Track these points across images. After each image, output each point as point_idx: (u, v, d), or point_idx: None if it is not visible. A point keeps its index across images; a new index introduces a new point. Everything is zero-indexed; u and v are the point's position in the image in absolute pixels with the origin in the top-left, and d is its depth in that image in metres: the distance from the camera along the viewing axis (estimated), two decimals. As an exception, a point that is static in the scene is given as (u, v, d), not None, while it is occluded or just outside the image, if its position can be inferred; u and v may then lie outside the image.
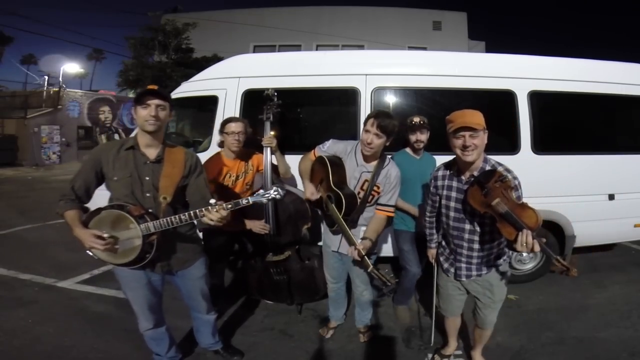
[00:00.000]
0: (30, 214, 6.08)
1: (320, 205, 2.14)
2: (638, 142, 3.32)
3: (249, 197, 1.58)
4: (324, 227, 2.30)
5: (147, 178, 1.69)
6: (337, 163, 2.04)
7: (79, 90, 17.92)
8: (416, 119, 2.46)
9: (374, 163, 2.05)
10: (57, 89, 15.93)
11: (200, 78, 3.42)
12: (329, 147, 2.14)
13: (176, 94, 3.47)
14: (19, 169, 13.27)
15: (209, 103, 3.23)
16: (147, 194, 1.69)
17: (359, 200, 2.00)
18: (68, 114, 15.81)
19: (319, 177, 2.12)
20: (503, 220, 1.48)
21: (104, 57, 36.31)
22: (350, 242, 1.90)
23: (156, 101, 1.63)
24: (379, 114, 1.93)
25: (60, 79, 17.79)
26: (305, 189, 2.16)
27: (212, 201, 1.57)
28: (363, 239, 1.98)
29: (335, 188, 1.95)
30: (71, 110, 15.95)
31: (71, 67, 19.52)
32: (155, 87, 1.68)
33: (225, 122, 2.46)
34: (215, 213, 1.55)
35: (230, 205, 1.56)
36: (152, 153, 1.71)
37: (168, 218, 1.59)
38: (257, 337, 2.54)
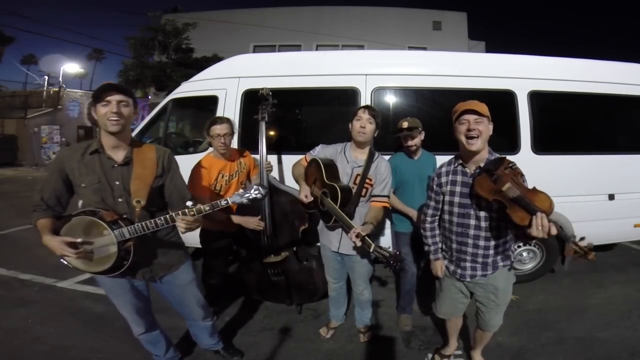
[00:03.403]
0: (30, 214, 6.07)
1: (316, 205, 2.14)
2: (638, 142, 3.32)
3: (228, 198, 1.51)
4: (321, 230, 2.29)
5: (117, 182, 1.58)
6: (329, 163, 2.12)
7: (79, 90, 17.95)
8: (404, 125, 2.40)
9: (364, 158, 2.12)
10: (57, 89, 15.96)
11: (200, 78, 3.42)
12: (319, 152, 2.23)
13: (176, 94, 3.48)
14: (19, 169, 13.27)
15: (209, 103, 3.23)
16: (120, 199, 1.59)
17: (353, 192, 2.06)
18: (68, 114, 15.84)
19: (313, 178, 2.16)
20: (514, 205, 1.42)
21: (104, 57, 36.21)
22: (349, 227, 1.89)
23: (117, 97, 1.50)
24: (366, 106, 2.16)
25: (60, 79, 17.81)
26: (301, 190, 2.14)
27: (189, 203, 1.49)
28: (363, 224, 1.98)
29: (329, 182, 2.02)
30: (71, 110, 15.98)
31: (71, 67, 19.51)
32: (114, 82, 1.55)
33: (210, 125, 2.36)
34: (180, 221, 1.48)
35: (207, 208, 1.49)
36: (119, 155, 1.59)
37: (143, 223, 1.51)
38: (257, 337, 2.54)
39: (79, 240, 1.47)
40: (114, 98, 1.49)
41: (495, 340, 2.38)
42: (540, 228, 1.35)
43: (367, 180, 2.09)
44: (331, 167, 2.12)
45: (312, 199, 2.09)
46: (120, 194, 1.59)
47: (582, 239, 1.37)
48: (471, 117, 1.61)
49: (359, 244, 1.81)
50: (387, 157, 2.32)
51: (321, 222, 2.26)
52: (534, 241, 3.23)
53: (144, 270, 1.73)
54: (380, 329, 2.66)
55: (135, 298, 1.79)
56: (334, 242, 2.18)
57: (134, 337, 1.97)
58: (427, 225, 1.95)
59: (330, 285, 2.43)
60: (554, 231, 1.35)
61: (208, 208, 1.49)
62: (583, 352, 2.34)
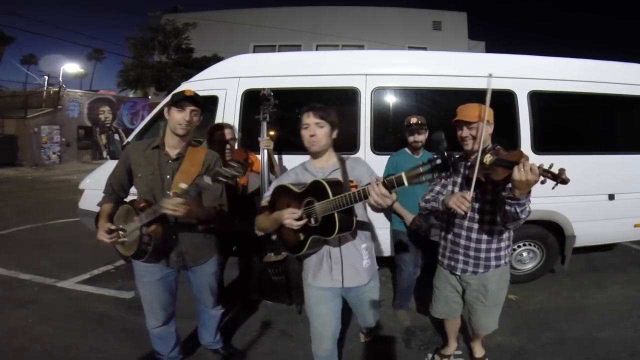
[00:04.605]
0: (30, 214, 6.09)
1: (306, 231, 1.54)
2: (638, 142, 3.32)
3: (204, 176, 1.46)
4: (316, 271, 1.70)
5: (169, 177, 1.75)
6: (296, 183, 1.67)
7: (79, 90, 17.95)
8: (413, 120, 2.46)
9: (332, 162, 1.71)
10: (57, 89, 15.97)
11: (200, 78, 3.42)
12: (274, 186, 1.76)
13: (176, 94, 3.48)
14: (19, 169, 13.29)
15: (209, 103, 3.22)
16: (168, 192, 1.71)
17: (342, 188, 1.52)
18: (68, 114, 15.85)
19: (285, 205, 1.60)
20: (496, 167, 1.56)
21: (104, 57, 36.09)
22: (362, 196, 1.35)
23: (192, 107, 1.71)
24: (310, 107, 1.68)
25: (60, 79, 17.81)
26: (284, 216, 1.53)
27: (170, 193, 1.60)
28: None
29: (306, 188, 1.55)
30: (71, 110, 15.99)
31: (71, 67, 19.53)
32: (192, 93, 1.72)
33: (213, 130, 2.49)
34: (166, 204, 1.53)
35: (186, 187, 1.49)
36: (175, 152, 1.78)
37: (150, 208, 1.62)
38: (257, 337, 2.54)
39: (113, 227, 1.68)
40: (190, 107, 1.71)
41: (495, 340, 2.38)
42: (521, 170, 1.39)
43: (350, 183, 1.61)
44: (300, 183, 1.65)
45: (301, 213, 1.51)
46: (169, 187, 1.73)
47: (550, 165, 1.37)
48: (464, 126, 1.76)
49: (384, 190, 1.28)
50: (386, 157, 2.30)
51: (311, 264, 1.72)
52: (533, 241, 3.24)
53: (177, 260, 1.83)
54: (380, 329, 2.66)
55: (161, 288, 1.86)
56: (337, 277, 1.67)
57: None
58: (422, 203, 1.90)
59: (320, 354, 1.79)
60: (535, 168, 1.38)
61: (187, 187, 1.49)
62: (583, 352, 2.34)
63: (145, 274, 1.83)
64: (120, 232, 1.70)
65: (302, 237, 1.56)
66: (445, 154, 1.18)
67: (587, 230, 3.19)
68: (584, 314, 2.83)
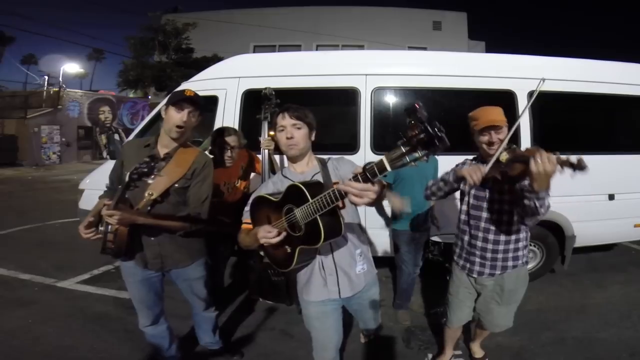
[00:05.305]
0: (30, 214, 6.08)
1: (291, 242, 1.41)
2: (638, 142, 3.32)
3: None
4: (307, 285, 1.63)
5: (152, 175, 1.73)
6: (274, 192, 1.57)
7: (79, 90, 17.93)
8: None
9: (313, 165, 1.60)
10: (57, 89, 15.95)
11: (200, 78, 3.42)
12: (252, 198, 1.64)
13: (176, 94, 3.48)
14: (19, 169, 13.28)
15: (209, 103, 3.22)
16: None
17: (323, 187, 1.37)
18: (68, 114, 15.84)
19: (265, 217, 1.50)
20: (513, 164, 1.55)
21: (104, 57, 36.15)
22: (341, 194, 1.17)
23: (190, 108, 1.66)
24: (285, 107, 1.57)
25: (60, 79, 17.76)
26: (259, 234, 1.40)
27: (108, 202, 1.60)
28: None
29: (284, 194, 1.41)
30: (71, 110, 15.97)
31: (71, 67, 19.48)
32: (193, 93, 1.67)
33: (218, 135, 2.45)
34: (103, 210, 1.58)
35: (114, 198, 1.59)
36: (163, 152, 1.75)
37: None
38: (257, 337, 2.54)
39: (91, 219, 1.68)
40: (188, 108, 1.65)
41: (495, 340, 2.38)
42: (539, 162, 1.39)
43: (335, 185, 1.36)
44: (279, 192, 1.51)
45: (279, 227, 1.38)
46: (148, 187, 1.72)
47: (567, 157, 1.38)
48: (492, 131, 1.69)
49: (360, 185, 1.11)
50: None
51: (304, 279, 1.64)
52: (533, 241, 3.24)
53: (154, 261, 1.80)
54: (380, 329, 2.65)
55: (144, 288, 1.85)
56: (332, 287, 1.58)
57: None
58: (430, 183, 1.91)
59: None
60: (552, 158, 1.38)
61: (114, 198, 1.59)
62: (583, 352, 2.34)
63: (127, 274, 1.84)
64: (101, 228, 1.68)
65: (288, 249, 1.42)
66: (427, 125, 1.02)
67: (587, 230, 3.18)
68: (584, 314, 2.83)
